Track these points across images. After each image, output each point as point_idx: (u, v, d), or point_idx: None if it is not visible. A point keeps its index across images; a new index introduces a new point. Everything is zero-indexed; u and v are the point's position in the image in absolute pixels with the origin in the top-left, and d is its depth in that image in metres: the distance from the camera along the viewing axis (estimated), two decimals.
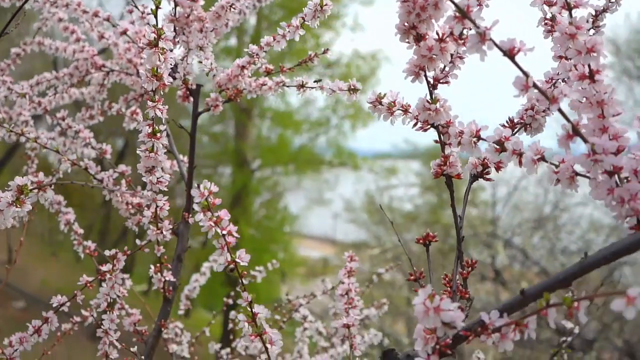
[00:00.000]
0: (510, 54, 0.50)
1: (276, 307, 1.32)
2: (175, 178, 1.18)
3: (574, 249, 6.87)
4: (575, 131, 0.51)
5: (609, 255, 0.48)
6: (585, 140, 0.51)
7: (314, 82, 0.95)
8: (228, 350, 1.30)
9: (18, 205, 0.66)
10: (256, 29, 9.87)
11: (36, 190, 0.64)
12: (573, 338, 1.06)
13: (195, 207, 0.60)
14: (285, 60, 1.12)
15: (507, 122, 0.68)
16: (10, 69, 1.30)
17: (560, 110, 0.50)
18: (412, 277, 0.60)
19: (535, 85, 0.50)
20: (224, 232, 0.61)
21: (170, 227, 0.89)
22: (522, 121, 0.67)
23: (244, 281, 0.63)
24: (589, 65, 0.53)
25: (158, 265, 0.95)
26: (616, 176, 0.52)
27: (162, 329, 0.98)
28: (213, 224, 0.61)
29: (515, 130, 0.68)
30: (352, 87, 0.82)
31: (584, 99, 0.53)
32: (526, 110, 0.67)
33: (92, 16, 1.08)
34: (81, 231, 1.10)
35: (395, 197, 9.86)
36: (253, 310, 0.63)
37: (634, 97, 8.77)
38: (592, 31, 0.70)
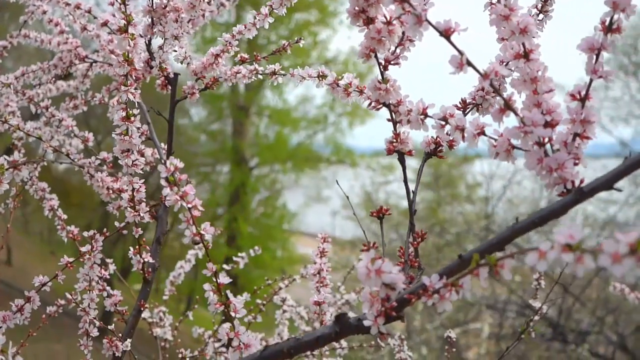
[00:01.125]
0: (446, 34, 0.54)
1: (255, 290, 1.36)
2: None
3: None
4: (507, 106, 0.54)
5: (537, 219, 0.52)
6: (516, 114, 0.54)
7: (315, 74, 0.94)
8: (210, 332, 1.34)
9: None
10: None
11: (11, 170, 0.68)
12: (540, 316, 1.10)
13: (162, 182, 0.64)
14: (282, 59, 1.15)
15: (459, 102, 0.72)
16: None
17: (492, 86, 0.54)
18: (365, 248, 0.64)
19: (469, 63, 0.53)
20: (190, 205, 0.65)
21: (147, 209, 0.93)
22: (473, 101, 0.71)
23: (208, 253, 0.67)
24: (523, 45, 0.57)
25: (137, 247, 0.99)
26: (549, 147, 0.56)
27: (142, 309, 1.01)
28: (179, 198, 0.64)
29: (468, 110, 0.71)
30: (320, 74, 0.86)
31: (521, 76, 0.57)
32: (477, 91, 0.70)
33: (74, 8, 1.12)
34: (65, 216, 1.13)
35: (392, 193, 9.88)
36: (218, 280, 0.67)
37: (630, 93, 8.79)
38: (541, 15, 0.74)
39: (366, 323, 0.57)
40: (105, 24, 1.09)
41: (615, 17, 0.54)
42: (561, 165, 0.53)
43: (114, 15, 1.13)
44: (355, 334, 0.60)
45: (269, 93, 12.06)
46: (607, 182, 0.50)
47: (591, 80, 0.55)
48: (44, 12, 1.21)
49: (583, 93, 0.55)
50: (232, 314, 0.67)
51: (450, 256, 6.73)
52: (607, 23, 0.55)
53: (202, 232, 0.66)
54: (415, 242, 0.64)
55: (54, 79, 1.21)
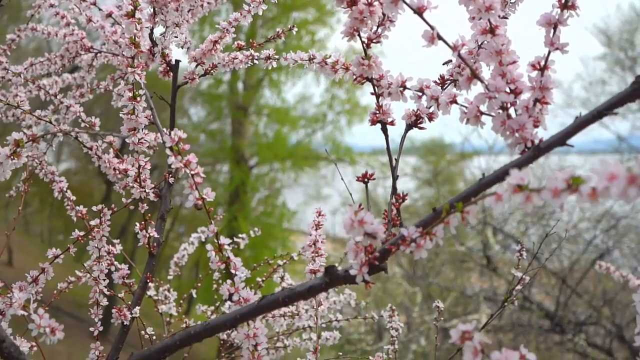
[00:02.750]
0: (419, 11, 0.61)
1: (255, 267, 1.43)
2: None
3: (564, 236, 7.00)
4: (473, 74, 0.61)
5: (500, 174, 0.59)
6: (482, 82, 0.61)
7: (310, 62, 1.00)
8: (212, 308, 1.40)
9: (15, 157, 0.77)
10: (251, 26, 9.97)
11: (30, 143, 0.75)
12: (522, 287, 1.16)
13: (167, 151, 0.71)
14: (270, 49, 1.22)
15: (438, 78, 0.78)
16: (6, 54, 1.40)
17: (460, 56, 0.61)
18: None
19: (439, 37, 0.60)
20: (193, 172, 0.72)
21: (152, 185, 0.99)
22: (451, 77, 0.77)
23: (210, 217, 0.74)
24: (489, 21, 0.63)
25: (143, 222, 1.05)
26: (513, 111, 0.63)
27: (148, 281, 1.08)
28: (183, 166, 0.71)
29: (446, 85, 0.78)
30: (311, 57, 0.93)
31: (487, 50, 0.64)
32: (455, 67, 0.77)
33: (80, 1, 1.18)
34: (74, 198, 1.20)
35: (389, 188, 9.94)
36: (219, 241, 0.74)
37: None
38: None
39: (352, 272, 0.64)
40: (109, 15, 1.16)
41: None
42: (522, 126, 0.60)
43: (118, 7, 1.20)
44: (343, 284, 0.67)
45: (268, 92, 12.13)
46: (560, 140, 0.57)
47: (549, 52, 0.62)
48: (51, 5, 1.28)
49: (542, 63, 0.62)
50: (233, 272, 0.74)
51: (447, 250, 6.80)
52: (563, 1, 0.61)
53: (204, 196, 0.73)
54: (397, 203, 0.71)
55: (60, 70, 1.27)
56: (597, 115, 0.56)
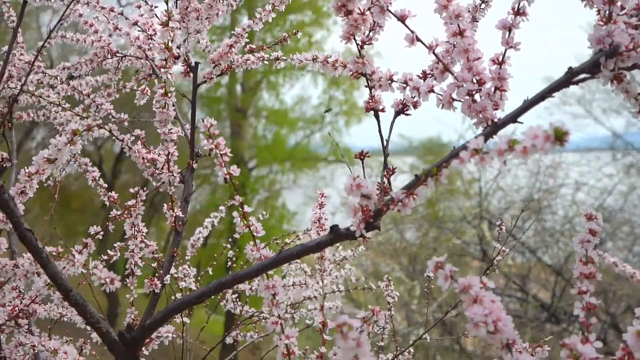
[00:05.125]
0: (402, 19, 0.77)
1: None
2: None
3: (559, 229, 7.18)
4: (445, 68, 0.78)
5: (464, 146, 0.75)
6: (452, 74, 0.77)
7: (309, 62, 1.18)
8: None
9: (72, 144, 0.93)
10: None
11: (86, 131, 0.91)
12: (503, 257, 1.32)
13: (201, 135, 0.87)
14: (278, 51, 1.38)
15: (421, 73, 0.94)
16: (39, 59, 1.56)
17: (435, 54, 0.77)
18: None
19: (418, 39, 0.77)
20: (222, 152, 0.88)
21: (179, 170, 1.16)
22: (431, 72, 0.94)
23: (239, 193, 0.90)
24: (458, 26, 0.80)
25: (170, 203, 1.21)
26: (478, 97, 0.79)
27: (175, 254, 1.24)
28: (214, 147, 0.87)
29: (427, 78, 0.94)
30: (314, 57, 1.09)
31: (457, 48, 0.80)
32: (433, 63, 0.93)
33: (109, 11, 1.34)
34: (106, 185, 1.36)
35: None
36: (243, 209, 0.90)
37: None
38: (483, 5, 0.97)
39: (352, 228, 0.80)
40: (135, 23, 1.32)
41: (521, 4, 0.77)
42: (484, 109, 0.76)
43: (141, 16, 1.36)
44: (345, 240, 0.83)
45: (266, 94, 12.29)
46: (512, 118, 0.73)
47: (505, 50, 0.78)
48: (81, 15, 1.44)
49: (500, 59, 0.78)
50: (255, 234, 0.90)
51: (446, 245, 6.97)
52: (515, 9, 0.78)
53: (230, 171, 0.89)
54: (387, 175, 0.87)
55: (89, 72, 1.44)
56: (540, 98, 0.72)
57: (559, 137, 0.54)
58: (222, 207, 1.86)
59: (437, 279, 0.67)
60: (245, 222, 0.90)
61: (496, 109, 0.78)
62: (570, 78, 0.71)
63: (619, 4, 0.70)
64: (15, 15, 1.60)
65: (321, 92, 12.34)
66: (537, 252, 6.93)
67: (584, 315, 0.74)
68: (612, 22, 0.69)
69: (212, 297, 1.85)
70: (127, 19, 1.35)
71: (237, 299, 1.82)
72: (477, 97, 0.79)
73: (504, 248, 1.30)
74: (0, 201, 0.81)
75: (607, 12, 0.69)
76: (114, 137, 1.24)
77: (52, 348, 0.98)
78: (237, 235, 1.73)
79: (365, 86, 0.89)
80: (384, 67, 0.88)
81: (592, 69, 0.70)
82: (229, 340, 1.69)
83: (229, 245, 1.80)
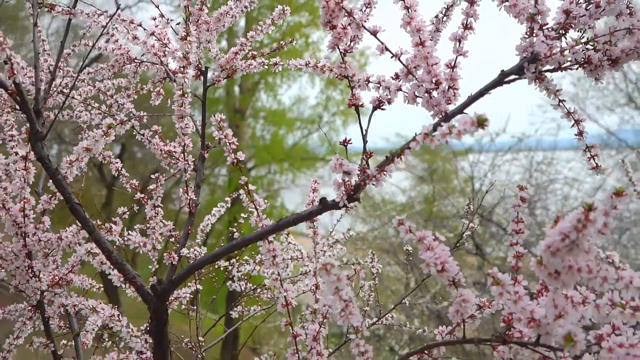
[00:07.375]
0: (373, 33, 0.97)
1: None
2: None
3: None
4: (409, 72, 0.98)
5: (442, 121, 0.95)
6: (413, 75, 0.98)
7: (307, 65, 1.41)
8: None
9: (107, 136, 1.13)
10: (245, 31, 10.32)
11: (119, 125, 1.11)
12: (472, 232, 1.53)
13: (212, 127, 1.07)
14: (276, 57, 1.59)
15: (394, 74, 1.15)
16: (63, 65, 1.77)
17: (400, 60, 0.98)
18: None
19: (386, 49, 0.97)
20: (230, 141, 1.09)
21: (193, 159, 1.36)
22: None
23: (246, 188, 1.10)
24: (419, 38, 1.00)
25: (185, 188, 1.42)
26: (435, 94, 1.00)
27: (189, 232, 1.45)
28: (223, 137, 1.08)
29: (399, 79, 1.15)
30: (307, 62, 1.29)
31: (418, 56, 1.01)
32: (402, 68, 1.14)
33: (129, 23, 1.55)
34: (127, 175, 1.57)
35: (387, 190, 10.32)
36: (248, 187, 1.11)
37: (614, 82, 9.22)
38: (445, 17, 1.18)
39: (337, 199, 1.00)
40: (152, 33, 1.53)
41: (469, 20, 0.98)
42: (439, 103, 0.97)
43: (156, 26, 1.57)
44: (332, 209, 1.03)
45: (264, 95, 12.48)
46: (459, 110, 0.94)
47: (456, 57, 0.99)
48: (103, 27, 1.64)
49: (452, 64, 0.99)
50: (258, 207, 1.11)
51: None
52: (465, 24, 0.98)
53: (237, 157, 1.10)
54: (366, 157, 1.08)
55: (112, 76, 1.64)
56: (479, 94, 0.93)
57: (481, 122, 0.75)
58: (227, 198, 2.06)
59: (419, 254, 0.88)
60: (250, 198, 1.11)
61: (449, 104, 0.98)
62: (502, 78, 0.92)
63: (539, 21, 0.90)
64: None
65: (318, 92, 12.55)
66: (529, 246, 7.15)
67: (514, 262, 0.94)
68: (533, 35, 0.90)
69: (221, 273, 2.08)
70: (145, 29, 1.55)
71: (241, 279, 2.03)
72: (434, 94, 0.99)
73: (472, 224, 1.51)
74: (55, 181, 1.01)
75: (530, 27, 0.90)
76: (134, 132, 1.45)
77: (91, 306, 1.18)
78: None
79: (347, 86, 1.10)
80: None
81: (518, 71, 0.91)
82: (234, 314, 1.90)
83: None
